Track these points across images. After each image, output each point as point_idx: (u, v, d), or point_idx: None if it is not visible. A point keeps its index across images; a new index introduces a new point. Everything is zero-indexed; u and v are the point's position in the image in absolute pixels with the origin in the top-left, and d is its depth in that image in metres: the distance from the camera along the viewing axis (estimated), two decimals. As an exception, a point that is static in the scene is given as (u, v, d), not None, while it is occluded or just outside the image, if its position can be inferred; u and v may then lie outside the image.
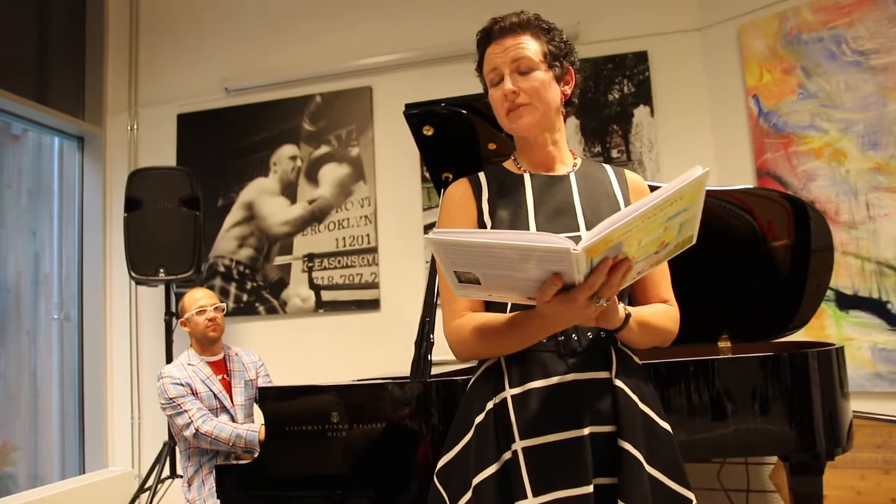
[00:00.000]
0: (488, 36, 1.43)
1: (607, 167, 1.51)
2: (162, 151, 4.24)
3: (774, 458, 2.97)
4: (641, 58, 3.62)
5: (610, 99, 3.64)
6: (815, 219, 2.38)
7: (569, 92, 1.46)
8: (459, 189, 1.48)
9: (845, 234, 3.09)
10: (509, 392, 1.33)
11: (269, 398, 2.19)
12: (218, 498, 2.30)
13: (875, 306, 3.03)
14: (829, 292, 3.02)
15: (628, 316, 1.30)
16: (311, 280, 3.96)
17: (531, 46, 1.39)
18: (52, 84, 4.11)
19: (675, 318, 1.45)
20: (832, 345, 2.14)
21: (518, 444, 1.29)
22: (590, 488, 1.26)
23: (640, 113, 3.60)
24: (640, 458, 1.28)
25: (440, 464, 1.42)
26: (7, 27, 3.86)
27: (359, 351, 3.75)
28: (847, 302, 3.09)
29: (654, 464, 1.31)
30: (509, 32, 1.39)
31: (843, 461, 2.68)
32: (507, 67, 1.39)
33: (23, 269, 4.06)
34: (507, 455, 1.30)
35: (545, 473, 1.26)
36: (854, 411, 2.17)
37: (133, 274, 3.61)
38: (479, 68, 1.47)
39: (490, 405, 1.35)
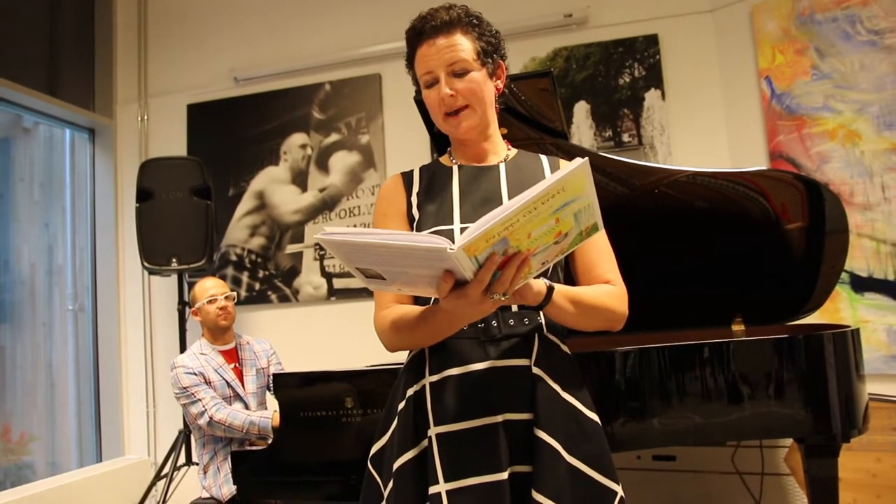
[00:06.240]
0: (419, 35, 1.41)
1: (542, 157, 1.51)
2: (172, 142, 4.25)
3: (789, 441, 2.96)
4: (652, 41, 3.58)
5: (620, 83, 3.61)
6: (829, 200, 2.35)
7: (500, 86, 1.47)
8: (391, 184, 1.52)
9: (860, 215, 3.06)
10: (428, 379, 1.36)
11: (284, 385, 2.21)
12: (234, 484, 2.33)
13: (890, 288, 3.01)
14: (843, 275, 3.00)
15: (551, 290, 1.27)
16: (322, 268, 3.97)
17: (465, 46, 1.38)
18: (62, 76, 4.12)
19: (617, 297, 1.39)
20: (848, 327, 2.12)
21: (432, 431, 1.31)
22: (503, 475, 1.26)
23: (652, 97, 3.57)
24: (556, 447, 1.28)
25: (372, 450, 1.45)
26: (17, 20, 3.87)
27: (371, 337, 3.70)
28: (862, 284, 3.07)
29: (575, 453, 1.30)
30: (441, 31, 1.38)
31: (858, 443, 2.67)
32: (443, 70, 1.38)
33: (37, 261, 4.09)
34: (425, 441, 1.32)
35: (457, 460, 1.28)
36: (870, 394, 2.16)
37: (146, 264, 3.62)
38: (410, 65, 1.47)
39: (410, 392, 1.38)
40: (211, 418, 2.87)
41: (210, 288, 3.15)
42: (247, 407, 3.02)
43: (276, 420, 2.82)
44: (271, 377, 3.04)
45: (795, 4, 3.25)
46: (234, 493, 2.83)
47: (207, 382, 2.97)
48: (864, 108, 3.09)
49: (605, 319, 1.38)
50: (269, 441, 2.81)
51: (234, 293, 3.23)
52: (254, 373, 3.13)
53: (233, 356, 3.15)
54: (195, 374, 2.96)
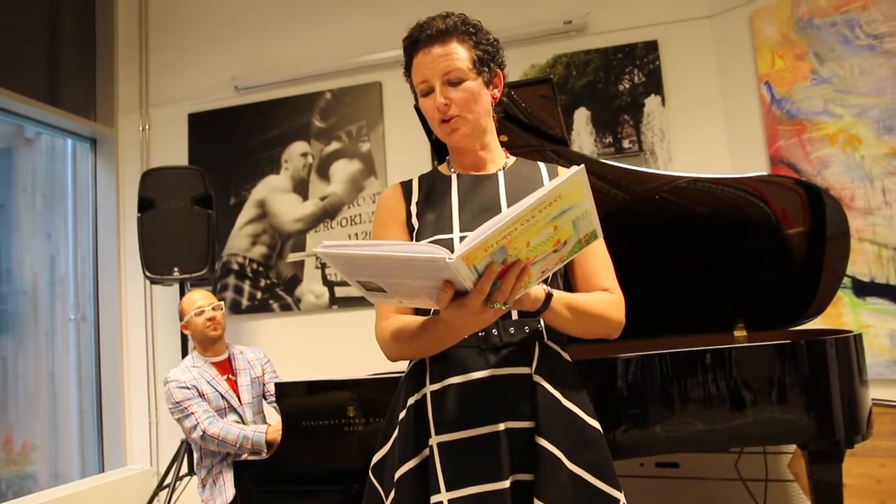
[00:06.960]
0: (415, 44, 1.41)
1: (541, 164, 1.51)
2: (174, 151, 4.26)
3: (793, 448, 2.95)
4: (651, 47, 3.59)
5: (620, 89, 3.62)
6: (830, 205, 2.35)
7: (498, 95, 1.47)
8: (391, 194, 1.52)
9: (861, 220, 3.06)
10: (429, 388, 1.36)
11: (286, 394, 2.20)
12: (236, 494, 2.32)
13: (892, 293, 3.00)
14: (845, 279, 3.00)
15: (549, 296, 1.28)
16: (324, 276, 3.97)
17: (460, 55, 1.38)
18: (63, 86, 4.13)
19: (615, 304, 1.40)
20: (850, 332, 2.12)
21: (434, 440, 1.31)
22: (505, 484, 1.26)
23: (652, 102, 3.58)
24: (558, 455, 1.28)
25: (374, 460, 1.45)
26: (18, 30, 3.88)
27: (373, 346, 3.71)
28: (864, 289, 3.06)
29: (577, 461, 1.29)
30: (437, 40, 1.38)
31: (862, 449, 2.66)
32: (438, 79, 1.38)
33: (39, 271, 4.09)
34: (427, 450, 1.32)
35: (459, 469, 1.27)
36: (873, 399, 2.15)
37: (147, 273, 3.63)
38: (408, 74, 1.47)
39: (411, 401, 1.37)
40: (204, 432, 2.84)
41: (197, 300, 3.12)
42: (242, 418, 3.00)
43: (271, 434, 2.80)
44: (273, 386, 3.03)
45: (794, 9, 3.26)
46: (228, 502, 2.82)
47: (201, 395, 2.94)
48: (863, 113, 3.09)
49: (603, 327, 1.38)
50: (263, 455, 2.79)
51: (222, 303, 3.20)
52: (248, 382, 3.10)
53: (226, 367, 3.12)
54: (188, 387, 2.92)
